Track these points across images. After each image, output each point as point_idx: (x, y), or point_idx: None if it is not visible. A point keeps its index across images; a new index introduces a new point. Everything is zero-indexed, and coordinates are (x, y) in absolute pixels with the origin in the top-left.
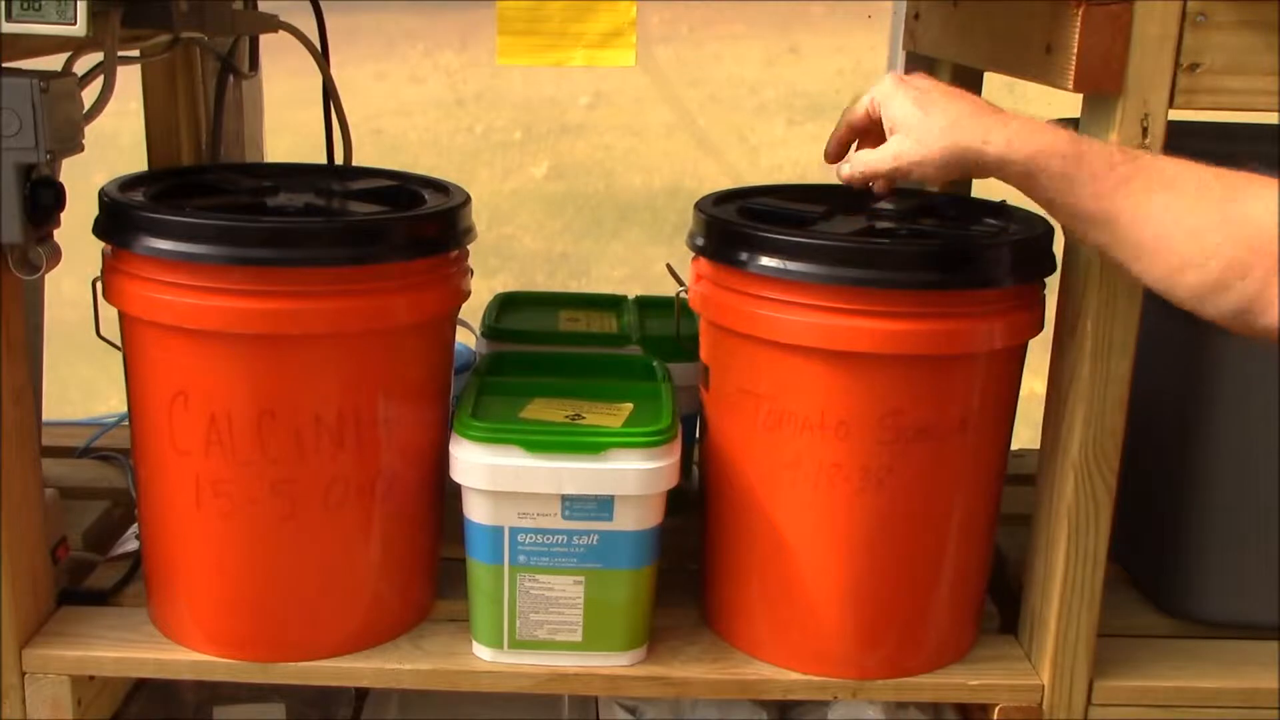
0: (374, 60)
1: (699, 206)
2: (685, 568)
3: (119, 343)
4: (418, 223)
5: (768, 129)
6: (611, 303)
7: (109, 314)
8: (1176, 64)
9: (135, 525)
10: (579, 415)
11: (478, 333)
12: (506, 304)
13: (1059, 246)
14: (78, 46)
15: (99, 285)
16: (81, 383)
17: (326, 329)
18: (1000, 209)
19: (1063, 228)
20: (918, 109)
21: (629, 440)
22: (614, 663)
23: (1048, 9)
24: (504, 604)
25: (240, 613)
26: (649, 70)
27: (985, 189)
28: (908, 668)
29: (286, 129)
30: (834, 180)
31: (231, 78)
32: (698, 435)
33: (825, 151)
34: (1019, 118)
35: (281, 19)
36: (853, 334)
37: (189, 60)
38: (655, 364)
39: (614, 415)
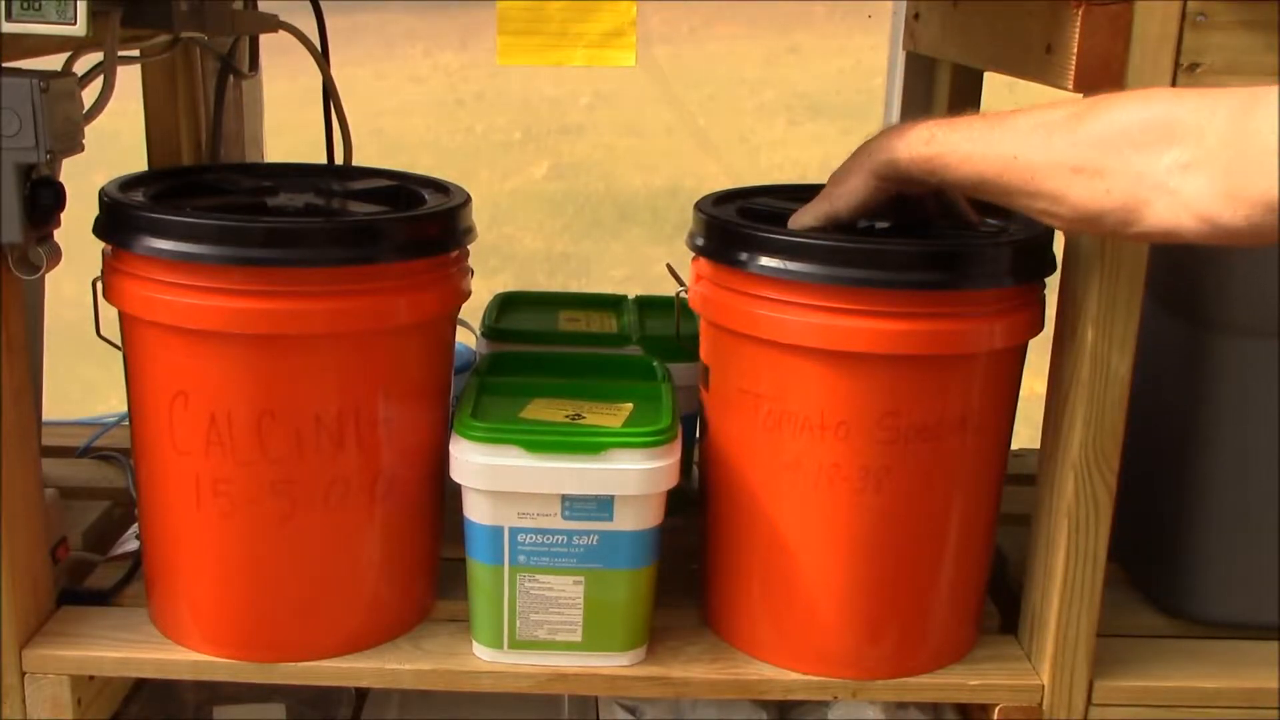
0: (374, 60)
1: (699, 207)
2: (685, 568)
3: (119, 343)
4: (418, 223)
5: (768, 129)
6: (611, 303)
7: (109, 314)
8: (1176, 64)
9: (135, 525)
10: (579, 415)
11: (478, 333)
12: (506, 304)
13: (1059, 246)
14: (78, 46)
15: (99, 285)
16: (81, 383)
17: (326, 329)
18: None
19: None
20: (839, 174)
21: (629, 440)
22: (614, 663)
23: (1048, 9)
24: (504, 604)
25: (240, 613)
26: (649, 70)
27: None
28: (908, 668)
29: (286, 129)
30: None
31: (231, 78)
32: (698, 435)
33: None
34: (886, 138)
35: (281, 19)
36: (853, 334)
37: (189, 60)
38: (655, 364)
39: (614, 415)
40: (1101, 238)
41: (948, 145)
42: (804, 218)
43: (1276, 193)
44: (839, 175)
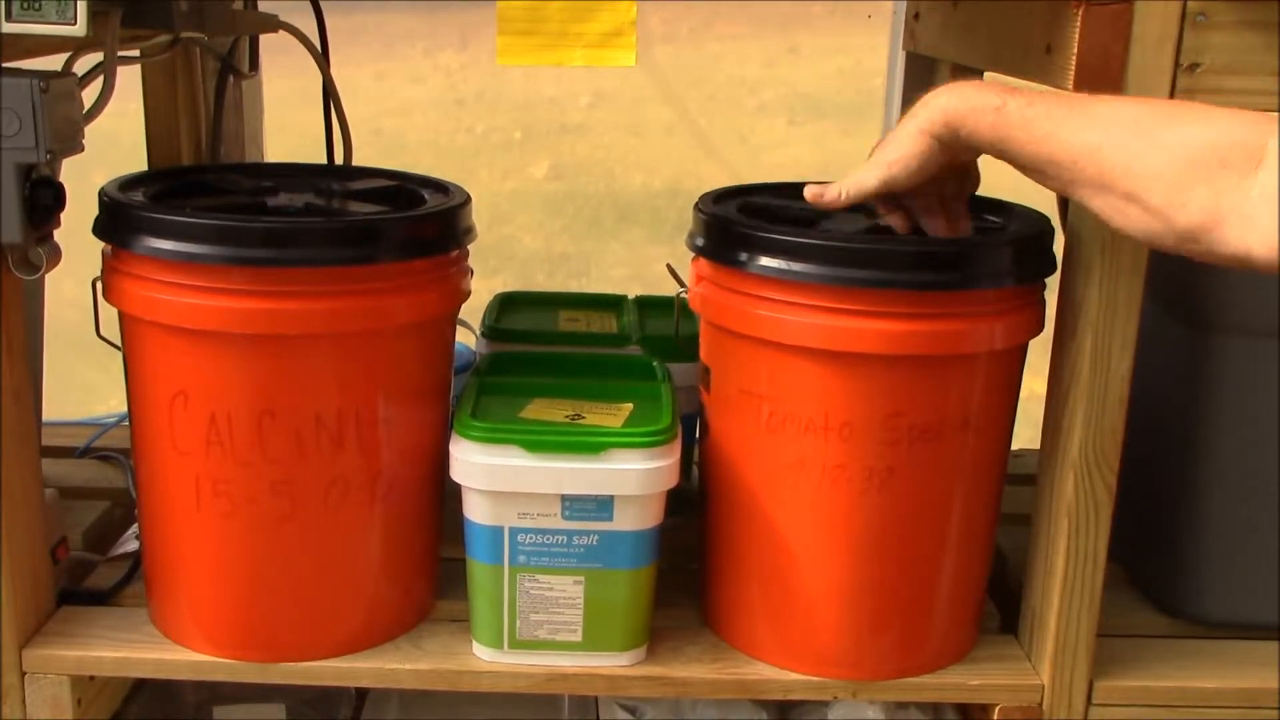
0: (374, 60)
1: (699, 205)
2: (685, 568)
3: (119, 343)
4: (417, 223)
5: (768, 129)
6: (611, 303)
7: (109, 314)
8: (1176, 64)
9: (135, 525)
10: (579, 415)
11: (478, 333)
12: (506, 304)
13: (1059, 247)
14: (78, 46)
15: (99, 285)
16: (81, 383)
17: (326, 329)
18: (1001, 207)
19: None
20: (887, 139)
21: (629, 440)
22: (614, 663)
23: (1048, 9)
24: (504, 604)
25: (240, 613)
26: (649, 70)
27: (986, 188)
28: (908, 668)
29: (286, 129)
30: (834, 180)
31: (231, 78)
32: (698, 435)
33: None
34: (953, 90)
35: (281, 19)
36: (854, 334)
37: (189, 60)
38: (655, 364)
39: (614, 415)
40: (1101, 238)
41: (1021, 120)
42: (852, 187)
43: None
44: (891, 140)
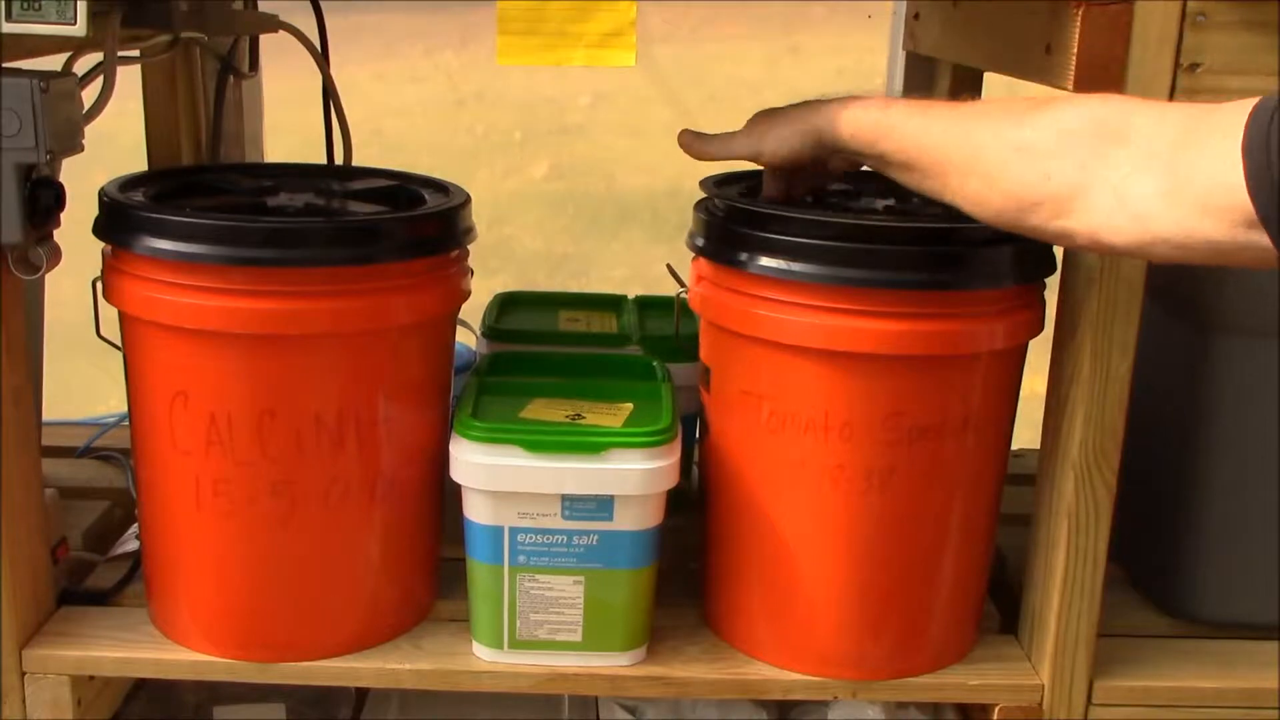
0: (374, 60)
1: (702, 186)
2: (685, 568)
3: (119, 343)
4: (417, 223)
5: None
6: (611, 303)
7: (109, 314)
8: (1176, 64)
9: (135, 525)
10: (579, 415)
11: (478, 333)
12: (506, 304)
13: (1059, 247)
14: (78, 46)
15: (99, 285)
16: (81, 383)
17: (326, 329)
18: None
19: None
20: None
21: (629, 440)
22: (614, 663)
23: (1048, 9)
24: (504, 604)
25: (240, 613)
26: (649, 70)
27: None
28: (908, 668)
29: (286, 129)
30: None
31: (231, 78)
32: (698, 435)
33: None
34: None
35: (281, 19)
36: (854, 334)
37: (189, 60)
38: (655, 364)
39: (614, 415)
40: None
41: (893, 121)
42: (720, 146)
43: (1214, 198)
44: (771, 118)
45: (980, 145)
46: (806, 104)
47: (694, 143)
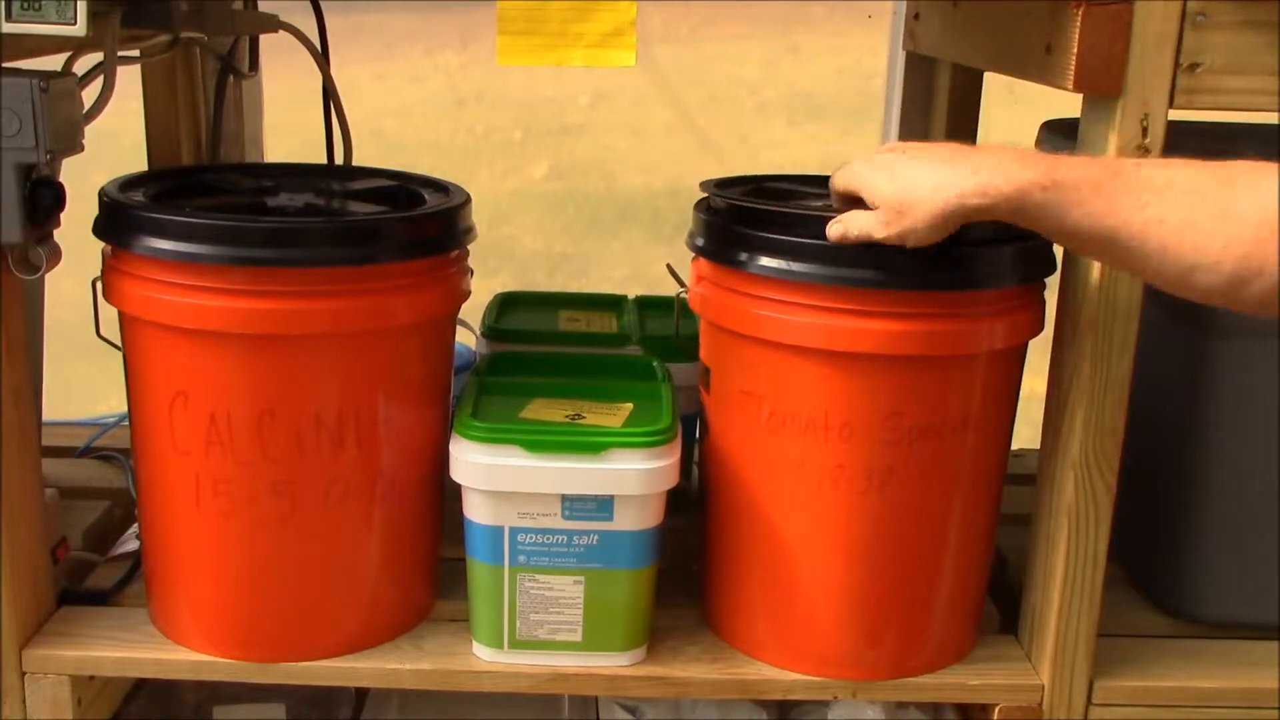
0: (374, 60)
1: (702, 187)
2: (685, 568)
3: (119, 343)
4: (418, 223)
5: (768, 129)
6: (611, 303)
7: (109, 314)
8: (1176, 64)
9: (135, 525)
10: (579, 415)
11: (478, 333)
12: (506, 304)
13: (1059, 247)
14: (78, 46)
15: (99, 285)
16: (81, 383)
17: (326, 329)
18: None
19: (1065, 248)
20: (894, 186)
21: (629, 440)
22: (614, 663)
23: (1048, 9)
24: (504, 604)
25: (240, 613)
26: (649, 70)
27: None
28: (908, 668)
29: (286, 129)
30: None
31: (231, 78)
32: (698, 435)
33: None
34: (994, 154)
35: (281, 19)
36: (854, 334)
37: (189, 60)
38: (655, 364)
39: (614, 415)
40: None
41: (1075, 198)
42: (861, 235)
43: None
44: (906, 207)
45: (1164, 248)
46: (933, 184)
47: (833, 234)
